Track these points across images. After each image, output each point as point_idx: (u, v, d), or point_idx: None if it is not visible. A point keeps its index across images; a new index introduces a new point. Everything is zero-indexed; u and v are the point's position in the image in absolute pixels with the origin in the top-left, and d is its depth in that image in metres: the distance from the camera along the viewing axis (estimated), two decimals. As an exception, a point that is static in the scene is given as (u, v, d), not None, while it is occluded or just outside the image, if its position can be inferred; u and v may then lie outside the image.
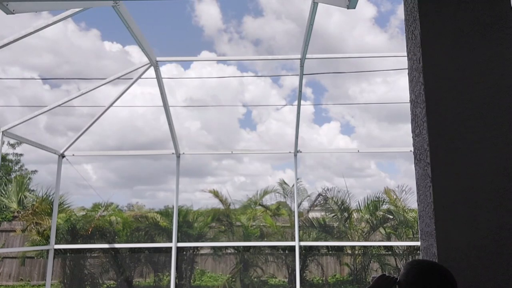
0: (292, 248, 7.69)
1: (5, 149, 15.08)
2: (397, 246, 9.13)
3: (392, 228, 9.44)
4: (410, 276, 1.51)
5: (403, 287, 1.52)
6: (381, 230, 9.46)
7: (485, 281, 1.64)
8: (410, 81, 1.98)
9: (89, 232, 9.36)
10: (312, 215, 10.03)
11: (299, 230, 6.81)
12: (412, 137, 1.97)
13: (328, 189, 9.78)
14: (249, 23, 24.92)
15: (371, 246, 9.14)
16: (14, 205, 11.47)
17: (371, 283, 1.67)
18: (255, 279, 9.50)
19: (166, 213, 9.64)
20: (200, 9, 23.98)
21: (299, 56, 5.22)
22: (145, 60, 5.25)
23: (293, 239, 7.17)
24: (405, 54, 2.06)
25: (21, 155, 15.71)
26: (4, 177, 14.72)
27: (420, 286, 1.47)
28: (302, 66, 5.30)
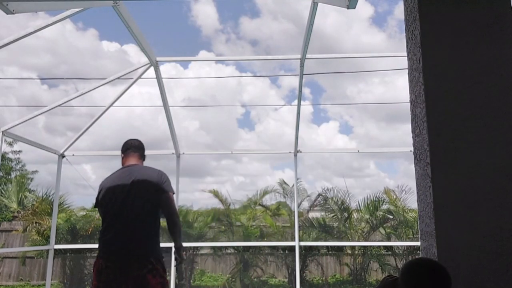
0: (292, 248, 7.69)
1: (4, 147, 15.08)
2: (397, 246, 9.13)
3: (392, 228, 9.44)
4: (402, 275, 1.54)
5: (400, 286, 1.54)
6: (381, 230, 9.46)
7: (485, 281, 1.64)
8: (410, 81, 1.98)
9: (89, 232, 9.35)
10: (312, 215, 10.04)
11: (299, 230, 6.81)
12: (412, 137, 1.97)
13: (328, 189, 9.79)
14: (246, 24, 24.95)
15: (371, 246, 9.14)
16: (14, 205, 11.48)
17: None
18: (255, 279, 9.50)
19: (166, 213, 9.62)
20: (197, 9, 24.00)
21: (299, 56, 5.21)
22: (144, 60, 5.24)
23: (293, 239, 7.16)
24: (404, 54, 2.06)
25: (19, 151, 15.68)
26: (4, 177, 14.71)
27: (408, 284, 1.49)
28: (302, 66, 5.29)
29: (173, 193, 3.18)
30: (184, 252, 3.26)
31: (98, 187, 3.22)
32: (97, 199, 3.19)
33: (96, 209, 3.25)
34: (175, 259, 3.32)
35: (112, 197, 3.03)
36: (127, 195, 3.01)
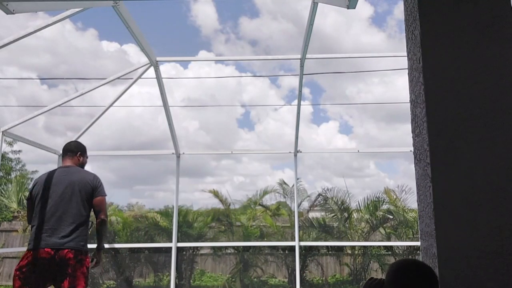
0: (292, 248, 7.69)
1: (4, 147, 15.04)
2: (397, 246, 9.13)
3: (392, 228, 9.44)
4: (390, 275, 1.55)
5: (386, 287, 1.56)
6: (381, 230, 9.46)
7: (485, 281, 1.64)
8: (410, 81, 1.98)
9: (89, 232, 9.32)
10: (312, 215, 10.03)
11: (299, 230, 6.81)
12: (412, 137, 1.97)
13: (328, 189, 9.79)
14: (246, 24, 24.97)
15: (371, 246, 9.14)
16: (14, 205, 11.47)
17: None
18: (255, 279, 9.50)
19: (166, 213, 9.63)
20: (196, 9, 24.03)
21: (299, 56, 5.22)
22: (144, 59, 5.25)
23: (293, 239, 7.16)
24: (404, 54, 2.06)
25: (19, 151, 15.67)
26: (4, 177, 14.70)
27: (398, 283, 1.51)
28: (302, 66, 5.29)
29: (106, 196, 3.57)
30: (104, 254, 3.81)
31: (33, 181, 3.57)
32: (30, 192, 3.50)
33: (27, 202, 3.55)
34: (92, 260, 3.69)
35: (49, 193, 3.38)
36: (64, 193, 3.38)
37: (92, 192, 3.47)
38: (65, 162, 3.64)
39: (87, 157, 3.83)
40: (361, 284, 2.05)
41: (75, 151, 3.70)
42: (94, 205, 3.48)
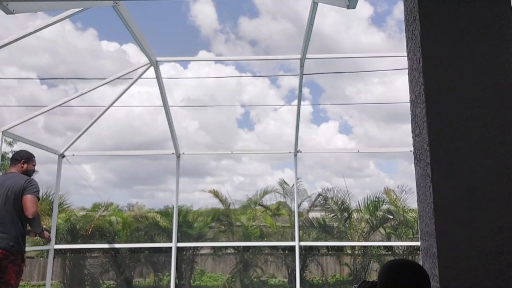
0: (292, 248, 7.68)
1: (4, 147, 14.98)
2: (397, 246, 9.14)
3: (392, 228, 9.44)
4: (382, 276, 1.56)
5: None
6: (381, 230, 9.46)
7: (485, 281, 1.64)
8: (410, 81, 1.98)
9: (89, 232, 9.35)
10: (312, 215, 10.04)
11: (299, 230, 6.81)
12: (412, 137, 1.97)
13: (328, 189, 9.80)
14: (245, 24, 24.99)
15: (371, 246, 9.14)
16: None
17: None
18: (255, 279, 9.50)
19: (166, 213, 9.64)
20: (196, 9, 24.05)
21: (299, 56, 5.21)
22: (144, 59, 5.24)
23: (293, 239, 7.16)
24: (404, 54, 2.05)
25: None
26: (4, 177, 14.66)
27: (392, 283, 1.51)
28: (302, 66, 5.29)
29: (36, 197, 3.80)
30: (48, 233, 4.19)
31: None
32: None
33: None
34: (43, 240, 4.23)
35: None
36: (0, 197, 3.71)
37: (22, 192, 3.74)
38: (10, 170, 3.98)
39: (33, 164, 4.10)
40: (353, 287, 2.06)
41: (18, 159, 4.00)
42: (22, 203, 3.72)
